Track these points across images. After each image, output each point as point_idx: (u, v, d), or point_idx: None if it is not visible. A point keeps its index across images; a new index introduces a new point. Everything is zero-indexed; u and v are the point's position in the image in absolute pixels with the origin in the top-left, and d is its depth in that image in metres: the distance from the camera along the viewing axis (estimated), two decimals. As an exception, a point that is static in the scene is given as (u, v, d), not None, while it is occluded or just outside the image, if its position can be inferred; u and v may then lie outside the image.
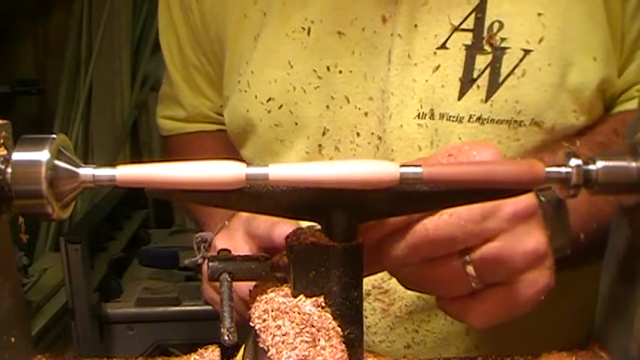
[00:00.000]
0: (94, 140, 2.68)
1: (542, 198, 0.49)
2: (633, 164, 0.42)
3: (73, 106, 2.67)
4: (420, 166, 0.41)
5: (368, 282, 0.67)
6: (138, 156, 2.69)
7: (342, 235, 0.43)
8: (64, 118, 2.67)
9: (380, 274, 0.65)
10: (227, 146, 0.79)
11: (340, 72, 0.66)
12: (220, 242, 0.59)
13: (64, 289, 1.55)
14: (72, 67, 2.68)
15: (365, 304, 0.65)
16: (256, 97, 0.69)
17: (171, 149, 0.90)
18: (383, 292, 0.68)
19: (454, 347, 0.69)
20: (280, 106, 0.68)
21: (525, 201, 0.46)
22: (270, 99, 0.69)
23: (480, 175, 0.41)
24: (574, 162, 0.42)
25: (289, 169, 0.40)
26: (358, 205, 0.43)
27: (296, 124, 0.68)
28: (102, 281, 1.63)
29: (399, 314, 0.68)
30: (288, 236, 0.45)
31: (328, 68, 0.66)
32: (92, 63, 2.61)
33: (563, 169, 0.42)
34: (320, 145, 0.68)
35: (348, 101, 0.66)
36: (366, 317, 0.68)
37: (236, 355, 0.48)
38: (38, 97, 2.78)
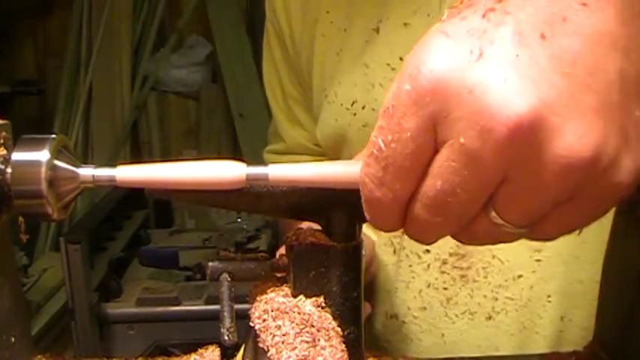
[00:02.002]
0: (94, 140, 2.68)
1: None
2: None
3: (73, 106, 2.67)
4: None
5: (445, 250, 0.68)
6: (138, 156, 2.70)
7: (342, 235, 0.43)
8: (64, 118, 2.67)
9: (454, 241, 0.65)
10: None
11: None
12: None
13: (64, 289, 1.55)
14: (72, 67, 2.68)
15: (444, 275, 0.68)
16: (342, 104, 0.73)
17: None
18: (460, 258, 0.68)
19: (537, 316, 0.67)
20: (363, 107, 0.71)
21: None
22: (354, 102, 0.72)
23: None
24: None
25: (289, 169, 0.40)
26: (358, 205, 0.43)
27: None
28: (102, 281, 1.63)
29: (477, 278, 0.68)
30: (287, 236, 0.45)
31: (401, 58, 0.68)
32: (92, 63, 2.61)
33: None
34: None
35: None
36: (446, 289, 0.69)
37: (236, 355, 0.48)
38: (38, 97, 2.78)
